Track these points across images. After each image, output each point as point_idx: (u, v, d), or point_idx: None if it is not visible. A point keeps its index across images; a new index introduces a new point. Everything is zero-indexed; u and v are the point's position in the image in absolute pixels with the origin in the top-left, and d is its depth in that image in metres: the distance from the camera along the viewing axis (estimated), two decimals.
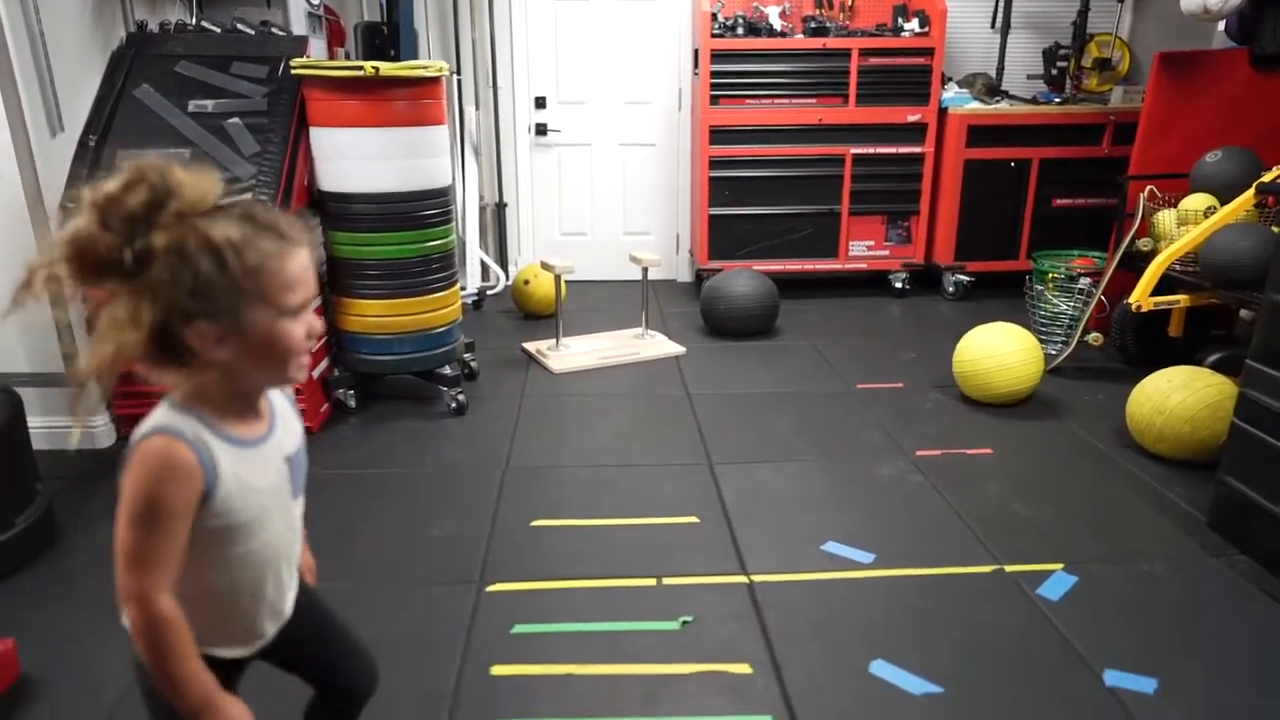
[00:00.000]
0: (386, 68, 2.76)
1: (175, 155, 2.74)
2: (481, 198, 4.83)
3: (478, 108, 4.75)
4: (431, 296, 3.08)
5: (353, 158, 2.88)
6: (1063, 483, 2.60)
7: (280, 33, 3.25)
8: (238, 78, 2.95)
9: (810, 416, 3.10)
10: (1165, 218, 3.35)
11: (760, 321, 4.00)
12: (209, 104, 2.87)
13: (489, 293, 4.74)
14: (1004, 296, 4.40)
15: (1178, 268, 3.16)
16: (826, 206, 4.56)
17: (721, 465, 2.72)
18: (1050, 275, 3.74)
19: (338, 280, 3.04)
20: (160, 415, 0.93)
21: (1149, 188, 3.45)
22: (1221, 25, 3.50)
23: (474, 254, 4.68)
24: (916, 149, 4.49)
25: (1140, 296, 3.11)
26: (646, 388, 3.42)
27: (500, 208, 4.92)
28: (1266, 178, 2.98)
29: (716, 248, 4.58)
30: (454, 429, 3.03)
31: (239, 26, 3.13)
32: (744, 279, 4.02)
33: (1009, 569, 2.14)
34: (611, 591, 2.08)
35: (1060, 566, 2.14)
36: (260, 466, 0.99)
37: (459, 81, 4.63)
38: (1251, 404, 2.14)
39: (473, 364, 3.46)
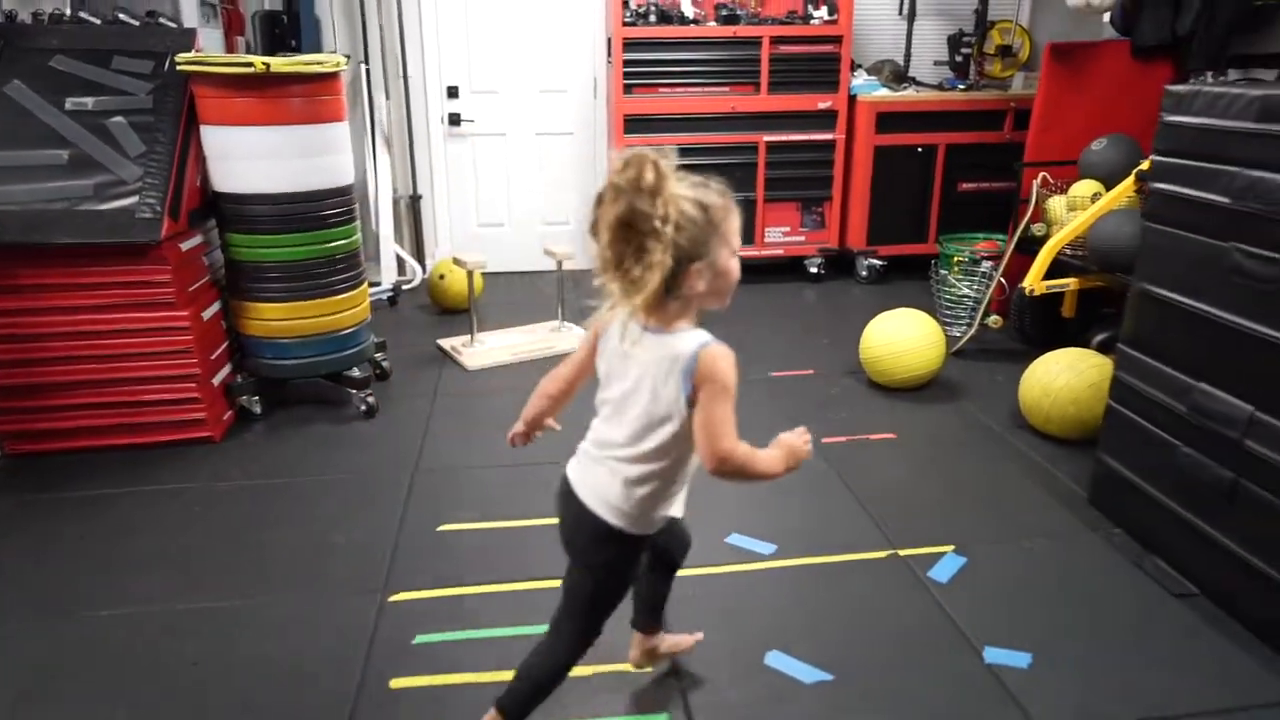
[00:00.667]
0: (278, 63, 2.69)
1: (52, 157, 2.63)
2: (395, 190, 4.75)
3: (388, 98, 4.65)
4: (337, 298, 3.02)
5: (247, 157, 2.79)
6: (959, 465, 2.70)
7: (168, 24, 3.13)
8: (120, 73, 2.83)
9: None
10: (1056, 203, 3.48)
11: None
12: (89, 101, 2.74)
13: (405, 287, 4.67)
14: (916, 278, 4.52)
15: (1068, 252, 3.29)
16: (742, 194, 4.60)
17: None
18: (955, 259, 3.86)
19: (237, 283, 2.96)
20: (698, 334, 1.26)
21: (1042, 174, 3.58)
22: (1107, 17, 3.62)
23: (388, 248, 4.60)
24: (828, 136, 4.56)
25: (1033, 281, 3.24)
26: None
27: (415, 200, 4.84)
28: (1145, 165, 3.11)
29: None
30: (364, 432, 2.99)
31: (121, 18, 3.01)
32: None
33: (903, 553, 2.22)
34: (520, 595, 2.09)
35: (951, 548, 2.23)
36: None
37: (367, 71, 4.53)
38: (1123, 386, 2.25)
39: (384, 364, 3.41)
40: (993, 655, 1.84)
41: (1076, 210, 3.37)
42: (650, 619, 1.73)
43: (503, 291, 4.67)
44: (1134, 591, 2.06)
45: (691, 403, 1.24)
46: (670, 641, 1.79)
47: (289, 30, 3.96)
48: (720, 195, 1.23)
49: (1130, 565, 2.15)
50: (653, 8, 4.40)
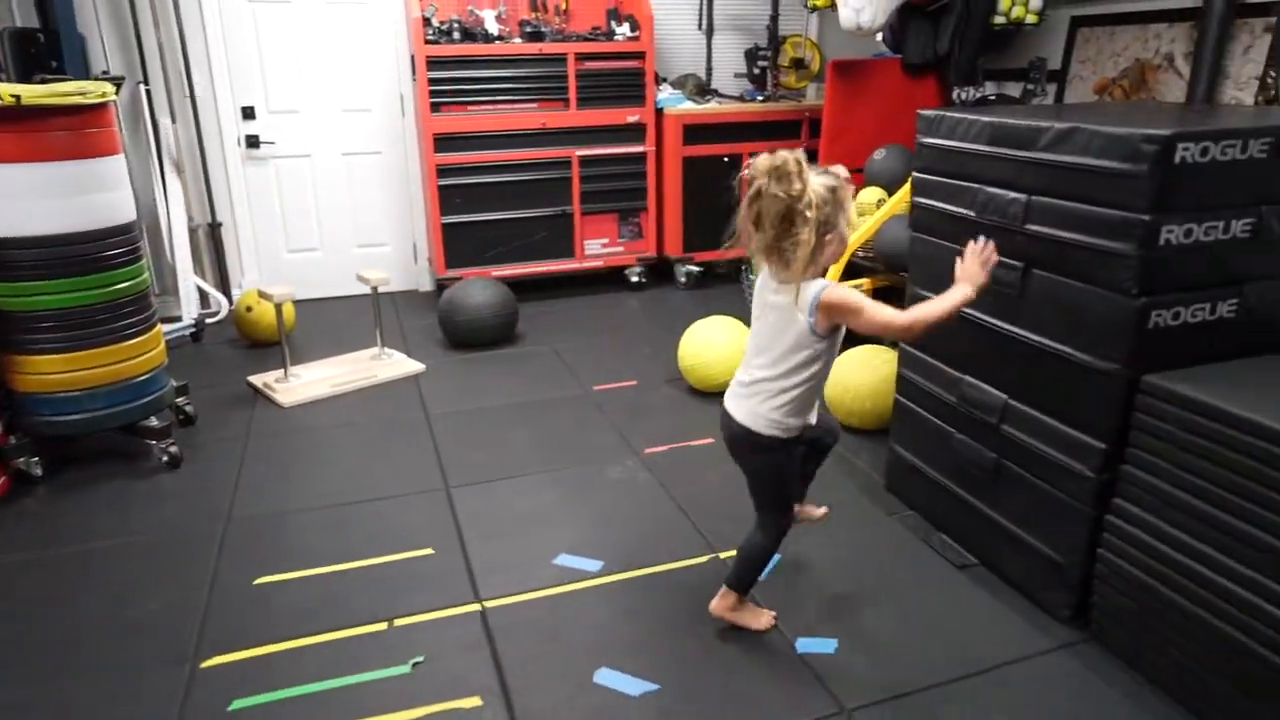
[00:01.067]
0: (32, 94, 2.46)
1: None
2: (191, 218, 4.44)
3: (174, 120, 4.34)
4: (126, 344, 2.80)
5: (3, 198, 2.54)
6: None
7: None
8: None
9: (548, 426, 3.18)
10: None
11: (500, 330, 4.03)
12: None
13: (210, 321, 4.38)
14: (733, 282, 4.74)
15: (860, 254, 3.57)
16: (559, 208, 4.66)
17: (459, 489, 2.73)
18: None
19: (6, 335, 2.68)
20: (821, 281, 1.67)
21: None
22: (880, 36, 3.94)
23: (188, 281, 4.30)
24: (638, 148, 4.69)
25: None
26: (384, 412, 3.34)
27: (215, 228, 4.56)
28: None
29: (453, 256, 4.54)
30: (167, 485, 2.80)
31: None
32: (480, 289, 4.02)
33: (723, 555, 2.34)
34: (341, 644, 2.03)
35: None
36: None
37: (148, 92, 4.21)
38: (905, 381, 2.47)
39: (187, 408, 3.20)
40: (803, 645, 1.98)
41: (865, 216, 3.65)
42: (800, 490, 2.20)
43: (319, 319, 4.49)
44: (924, 568, 2.27)
45: (817, 333, 1.68)
46: (804, 511, 2.23)
47: (47, 50, 3.61)
48: (839, 178, 1.66)
49: (920, 543, 2.37)
50: (456, 25, 4.36)
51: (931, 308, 1.68)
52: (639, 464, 2.86)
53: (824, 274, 1.71)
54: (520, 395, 3.46)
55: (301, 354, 3.88)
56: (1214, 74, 3.44)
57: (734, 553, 2.33)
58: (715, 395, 3.38)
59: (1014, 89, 4.48)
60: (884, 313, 1.65)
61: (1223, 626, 1.60)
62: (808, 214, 1.57)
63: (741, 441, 1.85)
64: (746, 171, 1.66)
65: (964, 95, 3.93)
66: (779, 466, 1.88)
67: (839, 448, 2.93)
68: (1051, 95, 4.34)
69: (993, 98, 3.87)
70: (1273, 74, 3.08)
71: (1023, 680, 1.86)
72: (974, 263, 1.75)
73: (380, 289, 3.80)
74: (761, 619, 2.03)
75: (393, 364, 3.77)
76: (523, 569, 2.30)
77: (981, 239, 1.77)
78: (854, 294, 1.68)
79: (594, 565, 2.30)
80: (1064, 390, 1.90)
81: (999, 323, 2.07)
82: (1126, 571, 1.81)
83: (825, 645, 1.97)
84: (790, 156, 1.59)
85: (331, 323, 4.44)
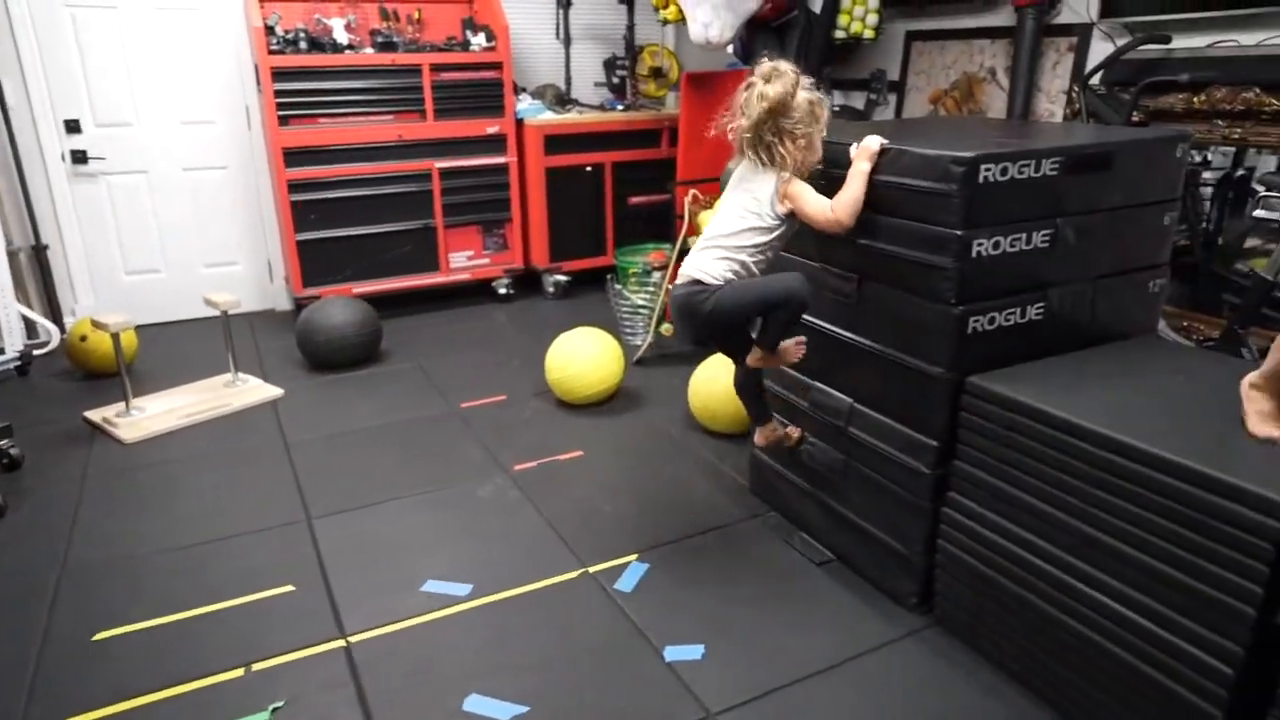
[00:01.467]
0: None
1: None
2: (10, 242, 4.09)
3: None
4: None
5: None
6: (641, 473, 2.91)
7: None
8: None
9: (414, 446, 3.12)
10: (706, 218, 3.85)
11: (363, 349, 3.91)
12: None
13: (38, 353, 4.05)
14: (601, 291, 4.77)
15: None
16: (421, 221, 4.57)
17: (321, 519, 2.64)
18: (630, 271, 4.13)
19: None
20: (786, 174, 1.99)
21: (692, 192, 3.94)
22: (731, 48, 4.07)
23: (10, 309, 3.96)
24: (500, 159, 4.66)
25: None
26: (239, 443, 3.18)
27: (40, 250, 4.22)
28: None
29: (311, 274, 4.37)
30: None
31: None
32: (339, 307, 3.89)
33: (593, 570, 2.36)
34: (194, 696, 1.93)
35: (634, 557, 2.41)
36: None
37: None
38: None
39: (12, 451, 2.95)
40: (671, 653, 2.02)
41: None
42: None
43: (166, 346, 4.23)
44: (786, 567, 2.37)
45: (777, 213, 2.00)
46: (782, 433, 2.43)
47: None
48: (820, 99, 1.98)
49: (782, 544, 2.47)
50: (302, 34, 4.20)
51: (844, 193, 1.95)
52: (508, 481, 2.85)
53: (797, 176, 2.01)
54: (385, 416, 3.38)
55: (146, 384, 3.65)
56: (1029, 88, 3.73)
57: (603, 566, 2.37)
58: (584, 408, 3.41)
59: (859, 98, 4.73)
60: (820, 203, 1.96)
61: (1045, 607, 1.75)
62: (795, 120, 1.92)
63: (692, 298, 2.04)
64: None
65: None
66: (732, 302, 2.03)
67: (705, 452, 3.04)
68: (893, 105, 4.60)
69: (837, 109, 4.07)
70: (1075, 89, 3.38)
71: (876, 669, 1.97)
72: (862, 153, 1.97)
73: (232, 311, 3.62)
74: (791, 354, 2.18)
75: (248, 390, 3.60)
76: (389, 599, 2.25)
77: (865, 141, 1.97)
78: (809, 188, 1.99)
79: (463, 589, 2.28)
80: (900, 393, 2.03)
81: (841, 331, 2.18)
82: (962, 560, 1.95)
83: (693, 652, 2.03)
84: (789, 67, 1.93)
85: (180, 349, 4.20)
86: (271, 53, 4.06)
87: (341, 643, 2.09)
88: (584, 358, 3.34)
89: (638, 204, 4.99)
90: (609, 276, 4.20)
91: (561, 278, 4.92)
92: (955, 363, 1.88)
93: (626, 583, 2.30)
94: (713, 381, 3.07)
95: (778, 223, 2.01)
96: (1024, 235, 1.87)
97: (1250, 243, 3.08)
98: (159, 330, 4.46)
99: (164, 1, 4.21)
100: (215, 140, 4.50)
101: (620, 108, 5.04)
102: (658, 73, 5.40)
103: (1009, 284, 1.91)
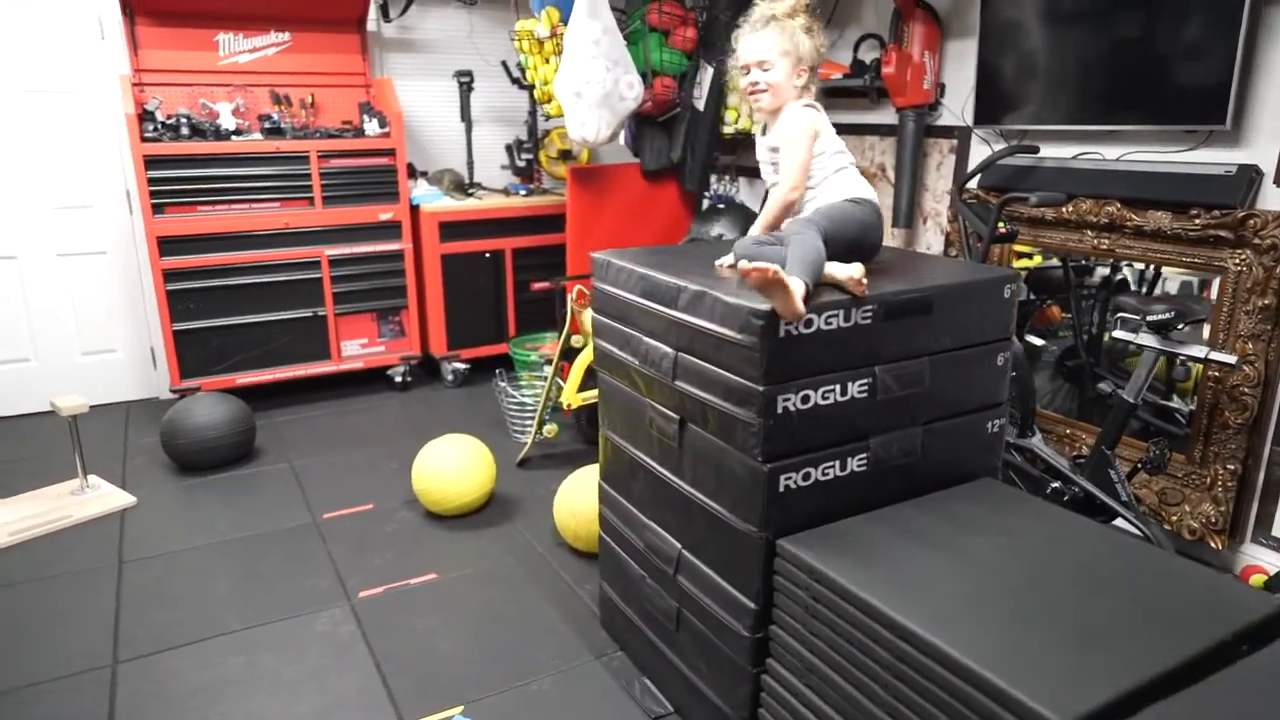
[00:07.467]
0: None
1: None
2: None
3: None
4: None
5: None
6: (491, 602, 2.73)
7: None
8: None
9: (259, 568, 2.91)
10: (588, 316, 3.74)
11: (232, 450, 3.71)
12: None
13: None
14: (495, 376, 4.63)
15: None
16: (310, 310, 4.41)
17: (128, 663, 2.42)
18: (525, 362, 4.01)
19: None
20: (803, 103, 1.98)
21: (577, 288, 3.84)
22: (622, 139, 4.02)
23: None
24: (394, 246, 4.53)
25: (569, 396, 3.44)
26: (66, 564, 2.95)
27: None
28: None
29: (189, 364, 4.18)
30: None
31: None
32: (207, 406, 3.69)
33: None
34: None
35: (459, 710, 2.22)
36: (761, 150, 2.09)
37: None
38: (605, 520, 2.43)
39: None
40: None
41: None
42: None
43: (27, 440, 3.99)
44: (622, 718, 2.20)
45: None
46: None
47: None
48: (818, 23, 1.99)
49: (622, 691, 2.30)
50: (184, 120, 4.08)
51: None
52: (348, 613, 2.66)
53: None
54: (238, 529, 3.17)
55: None
56: (914, 186, 3.71)
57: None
58: (451, 519, 3.24)
59: (760, 185, 4.71)
60: (794, 167, 1.94)
61: None
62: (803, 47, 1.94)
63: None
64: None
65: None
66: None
67: (564, 574, 2.88)
68: None
69: (722, 205, 4.02)
70: (953, 191, 3.36)
71: None
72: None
73: (107, 401, 3.40)
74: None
75: (95, 499, 3.37)
76: None
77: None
78: (804, 131, 1.94)
79: None
80: (721, 547, 1.90)
81: (666, 473, 2.05)
82: None
83: None
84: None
85: (39, 445, 3.96)
86: (146, 140, 3.92)
87: None
88: (451, 469, 3.17)
89: (540, 290, 4.88)
90: (497, 371, 4.07)
91: (461, 365, 4.77)
92: (765, 522, 1.76)
93: None
94: (575, 497, 2.92)
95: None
96: (837, 387, 1.77)
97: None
98: (26, 422, 4.22)
99: (36, 84, 4.06)
100: (93, 224, 4.32)
101: (524, 192, 4.96)
102: (567, 155, 5.35)
103: (826, 437, 1.80)
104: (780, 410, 1.70)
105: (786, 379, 1.70)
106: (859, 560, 1.65)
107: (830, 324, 1.72)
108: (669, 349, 1.94)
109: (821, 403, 1.75)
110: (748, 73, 1.98)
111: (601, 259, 2.19)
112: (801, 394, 1.72)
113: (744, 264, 1.61)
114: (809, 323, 1.69)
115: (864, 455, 1.85)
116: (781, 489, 1.75)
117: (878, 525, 1.81)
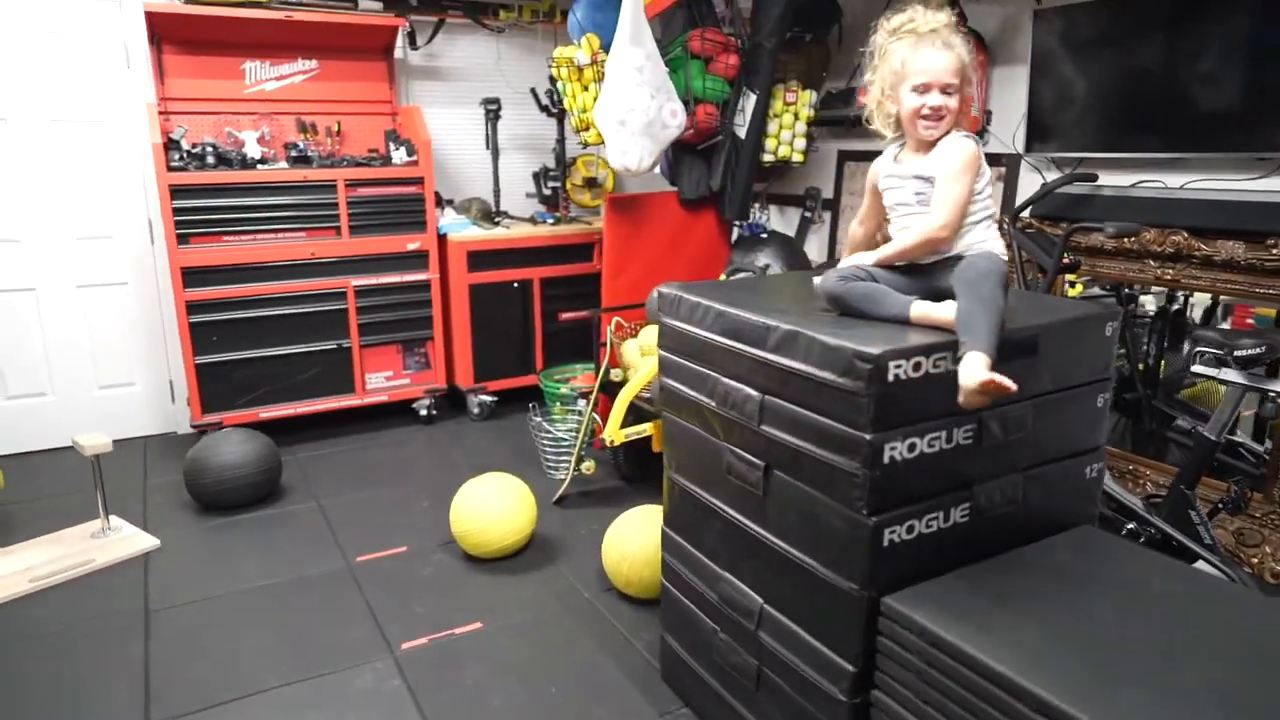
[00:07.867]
0: None
1: None
2: None
3: None
4: None
5: None
6: (540, 652, 2.59)
7: None
8: None
9: (293, 617, 2.77)
10: (628, 349, 3.64)
11: (258, 489, 3.58)
12: None
13: None
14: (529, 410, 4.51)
15: (643, 395, 3.43)
16: (334, 342, 4.30)
17: None
18: (556, 395, 3.90)
19: None
20: (963, 133, 1.78)
21: (615, 320, 3.74)
22: (658, 169, 3.93)
23: None
24: (421, 276, 4.43)
25: (612, 432, 3.32)
26: (91, 612, 2.80)
27: None
28: None
29: (212, 398, 4.06)
30: None
31: None
32: (233, 443, 3.57)
33: None
34: None
35: None
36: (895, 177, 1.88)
37: None
38: (670, 568, 2.29)
39: None
40: None
41: (649, 356, 3.54)
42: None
43: (45, 478, 3.86)
44: None
45: None
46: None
47: None
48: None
49: None
50: (210, 149, 3.99)
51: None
52: (391, 666, 2.51)
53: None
54: (269, 574, 3.03)
55: (6, 533, 3.27)
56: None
57: None
58: (490, 563, 3.10)
59: (795, 214, 4.63)
60: (952, 205, 1.73)
61: None
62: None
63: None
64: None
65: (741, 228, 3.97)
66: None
67: (616, 622, 2.74)
68: (828, 222, 4.49)
69: (765, 235, 3.92)
70: (1006, 221, 3.26)
71: None
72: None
73: (126, 436, 3.28)
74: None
75: (118, 542, 3.24)
76: None
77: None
78: (971, 165, 1.73)
79: None
80: (812, 603, 1.77)
81: (749, 523, 1.93)
82: None
83: None
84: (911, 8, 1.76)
85: (59, 483, 3.82)
86: (172, 169, 3.83)
87: None
88: (493, 511, 3.04)
89: (569, 320, 4.77)
90: (531, 406, 3.95)
91: (487, 398, 4.65)
92: (869, 580, 1.64)
93: None
94: (626, 540, 2.79)
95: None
96: (944, 433, 1.66)
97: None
98: (42, 459, 4.09)
99: (60, 114, 3.98)
100: (114, 255, 4.22)
101: (551, 220, 4.87)
102: (592, 183, 5.27)
103: (930, 486, 1.68)
104: (887, 460, 1.59)
105: (894, 426, 1.59)
106: (978, 623, 1.53)
107: (939, 367, 1.61)
108: (754, 391, 1.83)
109: (927, 450, 1.64)
110: (924, 93, 1.71)
111: (671, 293, 2.08)
112: (908, 441, 1.61)
113: (985, 377, 1.51)
114: (917, 365, 1.58)
115: (966, 505, 1.73)
116: (886, 543, 1.63)
117: (985, 581, 1.68)
